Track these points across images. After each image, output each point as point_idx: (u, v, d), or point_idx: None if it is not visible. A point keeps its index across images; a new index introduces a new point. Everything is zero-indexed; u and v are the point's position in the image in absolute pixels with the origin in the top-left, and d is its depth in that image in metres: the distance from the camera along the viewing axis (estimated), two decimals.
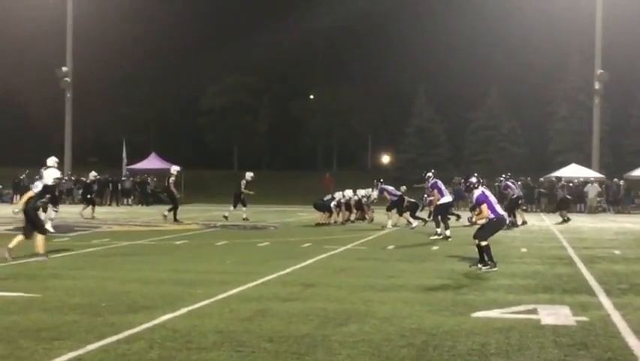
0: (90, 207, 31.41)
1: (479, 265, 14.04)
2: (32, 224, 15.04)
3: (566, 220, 31.09)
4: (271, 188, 54.32)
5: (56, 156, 20.60)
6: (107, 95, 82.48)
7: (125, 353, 7.30)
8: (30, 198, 15.27)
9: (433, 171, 25.31)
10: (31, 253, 14.86)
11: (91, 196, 32.39)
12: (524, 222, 28.30)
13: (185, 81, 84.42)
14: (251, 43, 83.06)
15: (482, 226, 14.56)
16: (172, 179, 29.09)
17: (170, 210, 28.32)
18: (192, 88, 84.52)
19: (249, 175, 30.59)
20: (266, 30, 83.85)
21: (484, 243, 14.12)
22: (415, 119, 78.97)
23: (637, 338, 8.18)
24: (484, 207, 14.50)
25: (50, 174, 18.62)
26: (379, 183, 29.96)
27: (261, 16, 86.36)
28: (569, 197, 35.30)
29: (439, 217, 22.20)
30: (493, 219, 14.45)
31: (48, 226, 21.47)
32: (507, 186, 29.53)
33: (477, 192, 14.85)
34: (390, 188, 27.76)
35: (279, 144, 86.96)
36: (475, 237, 14.40)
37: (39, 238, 15.00)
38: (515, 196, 28.92)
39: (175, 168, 30.12)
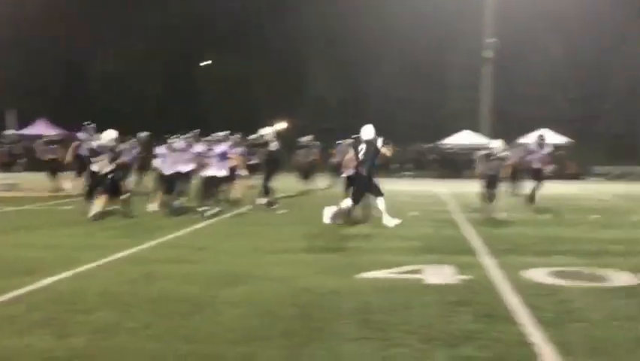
0: None
1: None
2: None
3: None
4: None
5: None
6: None
7: (4, 316, 7.13)
8: None
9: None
10: None
11: None
12: None
13: (74, 46, 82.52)
14: (143, 8, 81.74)
15: None
16: None
17: None
18: (81, 53, 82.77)
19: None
20: None
21: None
22: (309, 88, 79.31)
23: (515, 295, 8.44)
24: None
25: None
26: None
27: None
28: None
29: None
30: None
31: None
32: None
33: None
34: None
35: (171, 111, 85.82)
36: None
37: None
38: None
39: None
